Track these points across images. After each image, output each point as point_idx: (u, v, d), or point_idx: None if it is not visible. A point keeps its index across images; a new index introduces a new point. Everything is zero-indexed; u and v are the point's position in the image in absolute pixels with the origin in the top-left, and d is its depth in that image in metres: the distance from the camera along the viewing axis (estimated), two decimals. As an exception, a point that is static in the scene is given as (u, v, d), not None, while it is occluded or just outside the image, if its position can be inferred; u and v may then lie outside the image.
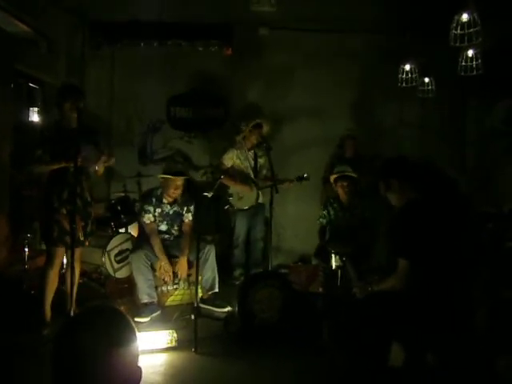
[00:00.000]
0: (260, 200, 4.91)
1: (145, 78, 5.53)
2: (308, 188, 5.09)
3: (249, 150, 4.91)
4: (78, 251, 3.51)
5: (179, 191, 4.17)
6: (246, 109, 5.51)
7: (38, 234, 4.52)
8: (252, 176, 4.89)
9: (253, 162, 4.91)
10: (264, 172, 4.91)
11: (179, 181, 4.12)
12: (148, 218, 4.16)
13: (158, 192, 4.22)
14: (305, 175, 4.35)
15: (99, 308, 1.26)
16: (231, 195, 4.81)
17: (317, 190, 5.52)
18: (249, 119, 4.83)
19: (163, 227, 4.27)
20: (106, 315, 1.20)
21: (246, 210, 4.88)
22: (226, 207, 4.85)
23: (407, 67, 4.50)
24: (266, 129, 4.79)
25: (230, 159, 4.87)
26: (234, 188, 4.83)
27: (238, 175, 4.84)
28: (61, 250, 3.47)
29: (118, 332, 1.15)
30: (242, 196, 4.84)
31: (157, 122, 5.69)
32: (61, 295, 3.60)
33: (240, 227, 4.95)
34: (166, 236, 4.28)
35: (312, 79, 5.64)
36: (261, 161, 4.91)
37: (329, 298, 3.84)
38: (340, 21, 5.26)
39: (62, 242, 3.42)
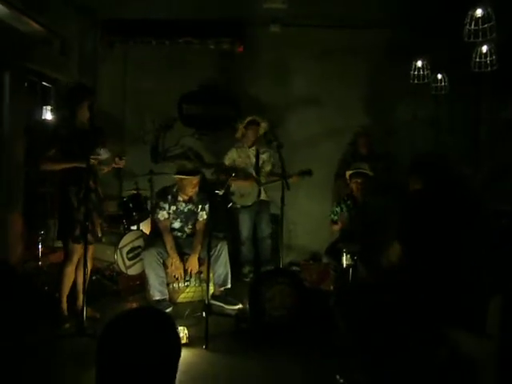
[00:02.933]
0: (262, 197, 4.91)
1: (157, 75, 5.56)
2: (319, 185, 5.09)
3: (249, 147, 4.92)
4: (91, 248, 3.57)
5: (196, 190, 4.19)
6: (259, 107, 5.50)
7: (52, 231, 4.58)
8: (253, 173, 4.89)
9: (254, 159, 4.92)
10: (267, 168, 4.90)
11: (195, 180, 4.13)
12: (162, 215, 4.18)
13: (174, 189, 4.24)
14: (307, 170, 4.42)
15: (147, 311, 1.27)
16: (233, 193, 4.82)
17: (328, 187, 5.51)
18: (244, 117, 4.86)
19: (176, 225, 4.29)
20: (152, 319, 1.20)
21: (248, 206, 4.89)
22: (229, 205, 4.86)
23: (419, 63, 4.45)
24: (264, 125, 4.81)
25: (230, 159, 4.90)
26: (236, 186, 4.83)
27: (239, 173, 4.84)
28: (79, 247, 3.51)
29: (161, 336, 1.16)
30: (243, 193, 4.85)
31: (169, 120, 5.71)
32: (75, 292, 3.66)
33: (243, 224, 4.96)
34: (179, 234, 4.30)
35: (324, 76, 5.62)
36: (263, 157, 4.91)
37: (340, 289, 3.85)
38: (352, 17, 5.22)
39: (84, 239, 3.46)
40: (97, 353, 1.12)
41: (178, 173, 4.15)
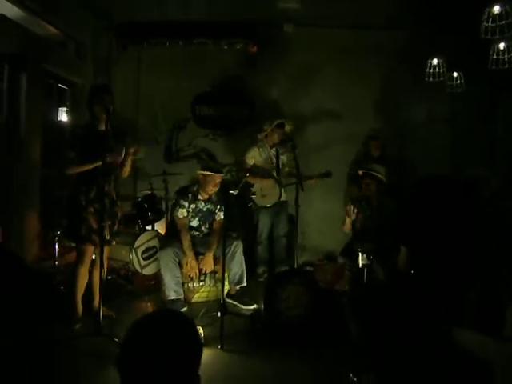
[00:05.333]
0: (283, 198, 4.93)
1: (170, 76, 5.58)
2: (333, 186, 5.06)
3: (270, 147, 4.94)
4: (105, 249, 3.57)
5: (217, 188, 4.21)
6: (273, 108, 5.52)
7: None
8: (274, 173, 4.91)
9: (275, 160, 4.95)
10: (286, 169, 4.93)
11: (218, 178, 4.16)
12: (182, 213, 4.20)
13: (195, 188, 4.27)
14: (327, 172, 4.49)
15: (168, 314, 1.28)
16: (254, 193, 4.83)
17: (342, 187, 5.48)
18: (273, 119, 4.87)
19: (194, 223, 4.31)
20: (174, 322, 1.21)
21: (269, 207, 4.90)
22: (249, 205, 4.87)
23: (435, 61, 4.40)
24: (288, 128, 4.83)
25: (252, 158, 4.91)
26: (258, 185, 4.85)
27: (260, 173, 4.86)
28: (89, 248, 3.52)
29: (182, 339, 1.17)
30: (265, 194, 4.86)
31: (182, 121, 5.73)
32: (90, 292, 3.68)
33: (263, 224, 4.97)
34: (196, 233, 4.31)
35: (337, 76, 5.59)
36: (283, 158, 4.95)
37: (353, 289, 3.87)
38: (365, 16, 5.18)
39: (90, 240, 3.47)
40: (120, 357, 1.13)
41: (203, 168, 4.19)
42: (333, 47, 5.53)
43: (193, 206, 4.25)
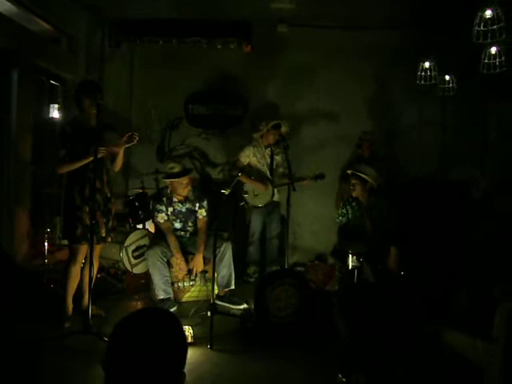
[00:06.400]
0: (275, 198, 4.94)
1: (163, 75, 5.56)
2: (325, 187, 5.08)
3: (265, 147, 4.95)
4: (98, 247, 3.55)
5: (188, 189, 4.18)
6: (266, 108, 5.52)
7: (58, 229, 4.59)
8: (268, 174, 4.92)
9: (269, 160, 4.96)
10: (280, 170, 4.95)
11: (184, 180, 4.12)
12: (161, 218, 4.18)
13: (169, 191, 4.24)
14: (320, 174, 4.53)
15: (152, 311, 1.28)
16: (246, 192, 4.83)
17: (333, 188, 5.50)
18: (269, 119, 4.87)
19: (177, 225, 4.28)
20: (159, 319, 1.21)
21: (261, 207, 4.91)
22: (241, 204, 4.88)
23: (427, 64, 4.43)
24: (284, 129, 4.83)
25: (247, 157, 4.91)
26: (250, 185, 4.85)
27: (253, 173, 4.87)
28: (84, 247, 3.49)
29: (168, 337, 1.17)
30: (257, 193, 4.87)
31: (175, 119, 5.72)
32: (80, 290, 3.66)
33: (255, 224, 4.97)
34: (182, 233, 4.30)
35: (330, 77, 5.61)
36: (277, 158, 4.96)
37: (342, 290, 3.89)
38: (359, 17, 5.20)
39: (85, 239, 3.43)
40: (106, 355, 1.13)
41: (166, 177, 4.16)
42: (327, 47, 5.54)
43: (170, 209, 4.22)
